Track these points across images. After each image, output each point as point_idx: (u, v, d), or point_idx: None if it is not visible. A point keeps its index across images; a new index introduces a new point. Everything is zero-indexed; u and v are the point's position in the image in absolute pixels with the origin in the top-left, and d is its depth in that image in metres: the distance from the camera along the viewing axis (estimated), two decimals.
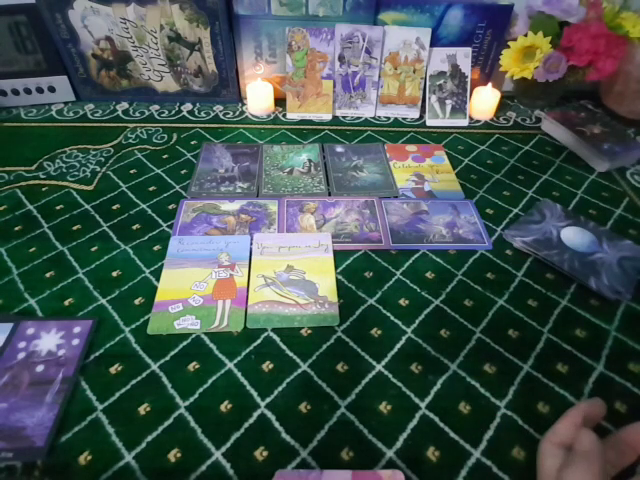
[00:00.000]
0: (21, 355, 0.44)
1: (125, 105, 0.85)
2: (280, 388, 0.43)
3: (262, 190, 0.66)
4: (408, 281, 0.54)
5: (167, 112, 0.84)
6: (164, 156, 0.73)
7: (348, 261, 0.56)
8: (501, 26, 0.80)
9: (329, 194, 0.66)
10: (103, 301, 0.50)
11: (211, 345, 0.46)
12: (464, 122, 0.83)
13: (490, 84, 0.83)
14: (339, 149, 0.76)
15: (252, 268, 0.54)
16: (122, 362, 0.44)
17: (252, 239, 0.57)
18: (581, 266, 0.53)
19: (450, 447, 0.39)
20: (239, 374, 0.44)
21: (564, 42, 0.75)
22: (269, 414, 0.41)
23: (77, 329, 0.46)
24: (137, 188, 0.66)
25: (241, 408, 0.41)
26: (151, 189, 0.66)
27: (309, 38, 0.77)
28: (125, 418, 0.40)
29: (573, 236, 0.57)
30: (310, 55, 0.79)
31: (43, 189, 0.65)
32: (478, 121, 0.85)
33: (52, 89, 0.81)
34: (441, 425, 0.41)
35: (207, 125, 0.80)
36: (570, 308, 0.51)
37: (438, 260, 0.56)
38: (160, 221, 0.60)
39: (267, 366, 0.44)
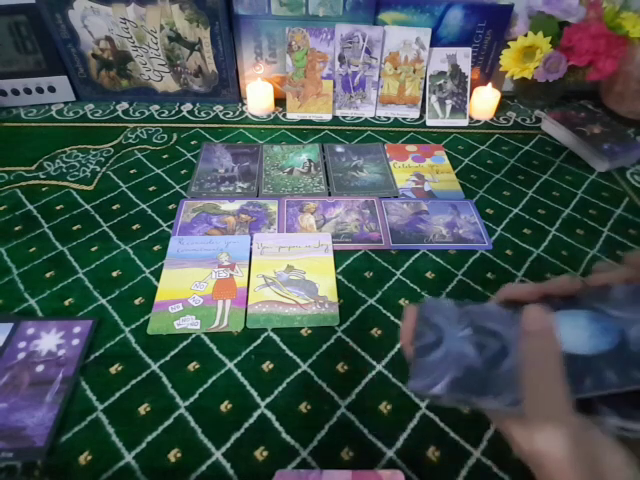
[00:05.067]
0: (21, 355, 0.44)
1: (125, 105, 0.85)
2: (280, 388, 0.43)
3: (262, 190, 0.66)
4: (408, 281, 0.54)
5: (167, 112, 0.84)
6: (164, 156, 0.73)
7: (348, 261, 0.56)
8: (501, 26, 0.80)
9: (329, 194, 0.66)
10: (103, 301, 0.50)
11: (211, 345, 0.46)
12: (464, 122, 0.83)
13: (490, 84, 0.83)
14: (339, 149, 0.76)
15: (252, 268, 0.54)
16: (122, 362, 0.44)
17: (252, 239, 0.57)
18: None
19: (450, 447, 0.39)
20: (239, 374, 0.44)
21: (564, 42, 0.75)
22: (269, 414, 0.41)
23: (77, 329, 0.46)
24: (137, 188, 0.66)
25: (241, 408, 0.41)
26: (151, 189, 0.66)
27: (309, 38, 0.77)
28: (125, 418, 0.40)
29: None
30: (310, 55, 0.79)
31: (43, 189, 0.65)
32: (478, 121, 0.85)
33: (52, 89, 0.81)
34: (441, 425, 0.41)
35: (207, 125, 0.80)
36: None
37: (438, 260, 0.56)
38: (160, 221, 0.60)
39: (267, 366, 0.44)
